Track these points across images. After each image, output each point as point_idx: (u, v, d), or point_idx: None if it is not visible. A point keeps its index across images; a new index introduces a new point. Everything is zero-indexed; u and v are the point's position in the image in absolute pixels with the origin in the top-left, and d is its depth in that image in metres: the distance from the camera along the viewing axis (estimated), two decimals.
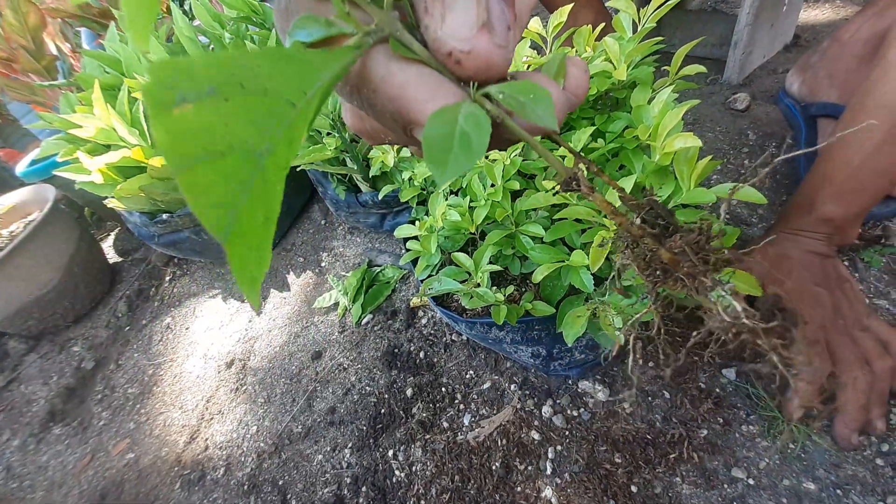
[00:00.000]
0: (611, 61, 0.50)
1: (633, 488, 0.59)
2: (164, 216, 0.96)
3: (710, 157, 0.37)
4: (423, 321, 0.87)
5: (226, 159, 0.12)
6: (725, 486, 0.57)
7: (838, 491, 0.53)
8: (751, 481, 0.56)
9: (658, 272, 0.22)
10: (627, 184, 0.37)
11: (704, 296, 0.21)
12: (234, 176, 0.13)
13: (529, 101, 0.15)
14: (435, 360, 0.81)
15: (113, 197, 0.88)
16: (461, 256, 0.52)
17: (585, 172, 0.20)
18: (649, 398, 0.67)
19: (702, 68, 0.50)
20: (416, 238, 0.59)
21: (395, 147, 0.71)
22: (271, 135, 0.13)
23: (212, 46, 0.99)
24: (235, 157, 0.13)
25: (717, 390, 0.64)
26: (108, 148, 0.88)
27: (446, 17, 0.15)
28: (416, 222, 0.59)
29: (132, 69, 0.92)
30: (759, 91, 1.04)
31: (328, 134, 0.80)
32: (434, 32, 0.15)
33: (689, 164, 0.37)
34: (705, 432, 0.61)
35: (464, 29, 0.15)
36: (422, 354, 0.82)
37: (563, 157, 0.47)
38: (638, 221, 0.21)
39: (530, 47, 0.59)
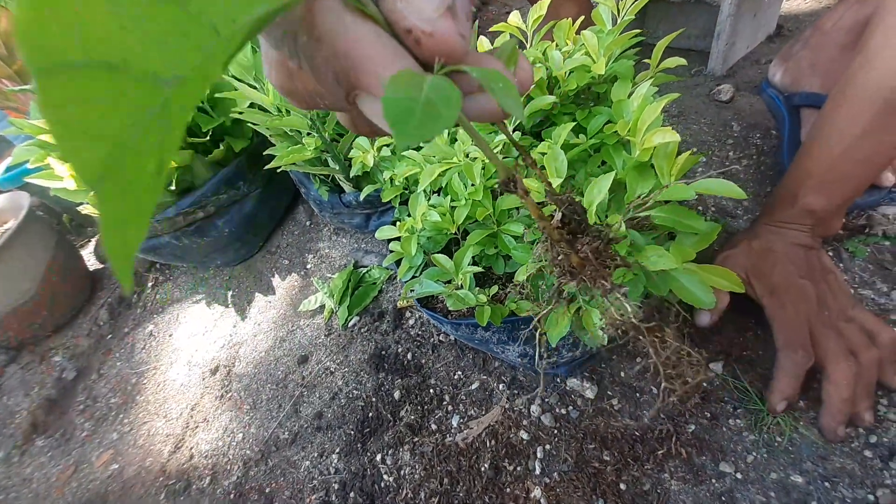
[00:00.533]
0: (590, 55, 0.49)
1: (622, 486, 0.59)
2: None
3: (691, 151, 0.36)
4: (411, 322, 0.86)
5: (116, 75, 0.09)
6: (713, 480, 0.57)
7: (826, 483, 0.53)
8: (738, 475, 0.56)
9: (567, 273, 0.24)
10: (607, 181, 0.36)
11: (605, 297, 0.23)
12: (125, 101, 0.09)
13: (500, 89, 0.14)
14: (423, 361, 0.80)
15: (87, 203, 0.86)
16: (441, 258, 0.51)
17: (521, 163, 0.21)
18: (637, 394, 0.66)
19: (682, 61, 0.50)
20: (397, 239, 0.58)
21: (375, 146, 0.70)
22: (183, 62, 0.10)
23: None
24: (129, 76, 0.09)
25: (704, 384, 0.64)
26: None
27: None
28: (398, 223, 0.58)
29: None
30: (742, 82, 1.04)
31: (308, 134, 0.78)
32: (394, 4, 0.14)
33: (668, 160, 0.36)
34: (693, 427, 0.61)
35: (429, 9, 0.14)
36: (409, 356, 0.81)
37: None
38: (559, 217, 0.22)
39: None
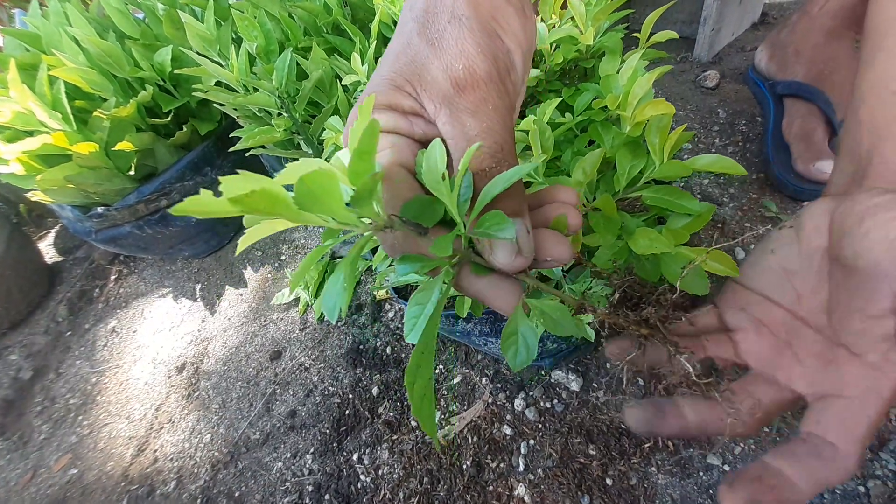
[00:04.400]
0: (577, 25, 0.45)
1: (608, 481, 0.57)
2: (100, 209, 0.87)
3: (683, 126, 0.33)
4: (390, 315, 0.82)
5: None
6: (701, 473, 0.55)
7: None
8: (726, 467, 0.55)
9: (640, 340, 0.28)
10: (595, 158, 0.32)
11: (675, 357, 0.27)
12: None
13: (559, 318, 0.25)
14: (403, 355, 0.76)
15: (37, 189, 0.79)
16: None
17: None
18: (623, 386, 0.64)
19: (674, 34, 0.47)
20: None
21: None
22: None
23: (146, 19, 0.90)
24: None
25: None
26: (28, 134, 0.79)
27: (495, 250, 0.23)
28: None
29: (52, 45, 0.82)
30: (728, 69, 1.03)
31: (278, 114, 0.73)
32: (488, 257, 0.24)
33: (661, 135, 0.33)
34: None
35: (506, 259, 0.23)
36: (388, 350, 0.77)
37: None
38: (617, 297, 0.28)
39: None
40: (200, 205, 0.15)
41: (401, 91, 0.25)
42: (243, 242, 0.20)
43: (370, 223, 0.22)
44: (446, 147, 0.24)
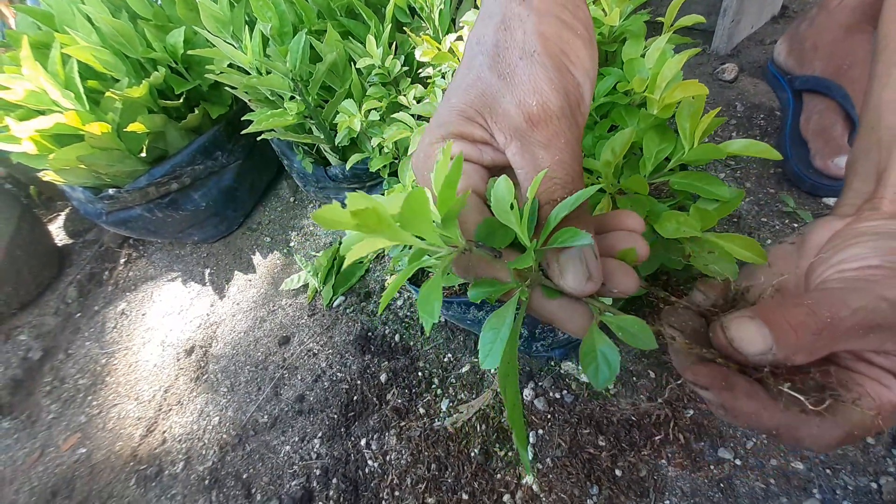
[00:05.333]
0: (602, 8, 0.44)
1: (618, 472, 0.57)
2: (111, 191, 0.87)
3: (718, 109, 0.32)
4: (399, 302, 0.82)
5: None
6: (712, 467, 0.55)
7: (828, 471, 0.51)
8: (738, 462, 0.54)
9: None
10: (623, 139, 0.32)
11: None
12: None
13: (637, 332, 0.24)
14: (411, 343, 0.76)
15: (48, 169, 0.79)
16: None
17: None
18: (634, 378, 0.64)
19: (700, 18, 0.45)
20: None
21: (363, 111, 0.65)
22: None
23: (159, 0, 0.89)
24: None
25: None
26: (41, 114, 0.78)
27: (565, 275, 0.24)
28: (386, 192, 0.53)
29: (65, 24, 0.81)
30: (746, 62, 1.01)
31: (290, 98, 0.73)
32: (558, 282, 0.25)
33: (693, 118, 0.32)
34: (691, 412, 0.59)
35: (576, 283, 0.24)
36: (397, 337, 0.77)
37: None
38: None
39: None
40: (330, 213, 0.17)
41: (471, 122, 0.27)
42: (350, 257, 0.22)
43: (452, 246, 0.25)
44: (516, 177, 0.26)
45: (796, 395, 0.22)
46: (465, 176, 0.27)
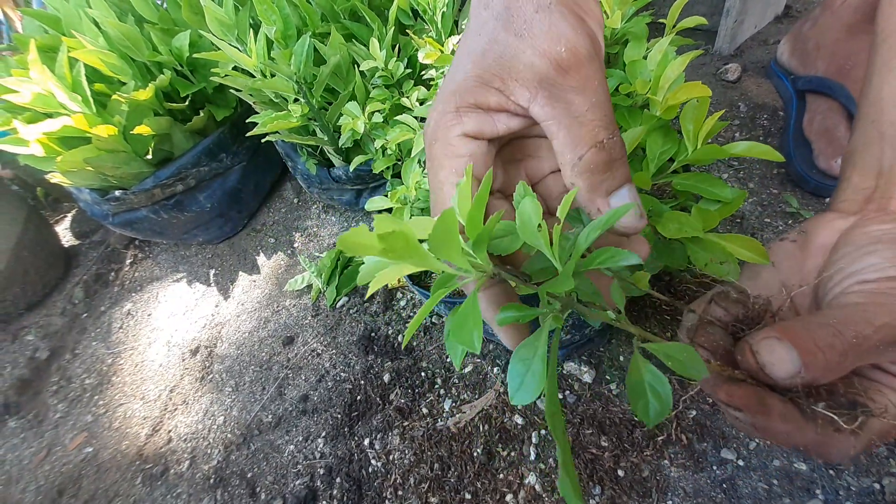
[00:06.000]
0: (604, 10, 0.45)
1: (620, 472, 0.57)
2: (118, 193, 0.87)
3: (721, 111, 0.33)
4: (402, 303, 0.82)
5: None
6: (714, 467, 0.55)
7: (831, 472, 0.51)
8: (740, 462, 0.54)
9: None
10: (632, 136, 0.32)
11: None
12: None
13: (686, 359, 0.22)
14: (414, 343, 0.76)
15: (55, 171, 0.80)
16: None
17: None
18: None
19: (702, 20, 0.46)
20: (389, 211, 0.54)
21: (366, 113, 0.65)
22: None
23: (164, 4, 0.90)
24: None
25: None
26: (48, 116, 0.79)
27: (622, 218, 0.24)
28: (390, 193, 0.54)
29: (72, 27, 0.82)
30: (750, 62, 1.01)
31: (295, 100, 0.73)
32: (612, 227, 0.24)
33: (696, 120, 0.32)
34: (694, 413, 0.59)
35: (634, 222, 0.25)
36: (400, 338, 0.78)
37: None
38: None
39: None
40: (355, 237, 0.17)
41: (487, 87, 0.26)
42: (373, 286, 0.22)
43: (480, 272, 0.24)
44: (523, 149, 0.27)
45: (830, 414, 0.22)
46: (473, 158, 0.27)
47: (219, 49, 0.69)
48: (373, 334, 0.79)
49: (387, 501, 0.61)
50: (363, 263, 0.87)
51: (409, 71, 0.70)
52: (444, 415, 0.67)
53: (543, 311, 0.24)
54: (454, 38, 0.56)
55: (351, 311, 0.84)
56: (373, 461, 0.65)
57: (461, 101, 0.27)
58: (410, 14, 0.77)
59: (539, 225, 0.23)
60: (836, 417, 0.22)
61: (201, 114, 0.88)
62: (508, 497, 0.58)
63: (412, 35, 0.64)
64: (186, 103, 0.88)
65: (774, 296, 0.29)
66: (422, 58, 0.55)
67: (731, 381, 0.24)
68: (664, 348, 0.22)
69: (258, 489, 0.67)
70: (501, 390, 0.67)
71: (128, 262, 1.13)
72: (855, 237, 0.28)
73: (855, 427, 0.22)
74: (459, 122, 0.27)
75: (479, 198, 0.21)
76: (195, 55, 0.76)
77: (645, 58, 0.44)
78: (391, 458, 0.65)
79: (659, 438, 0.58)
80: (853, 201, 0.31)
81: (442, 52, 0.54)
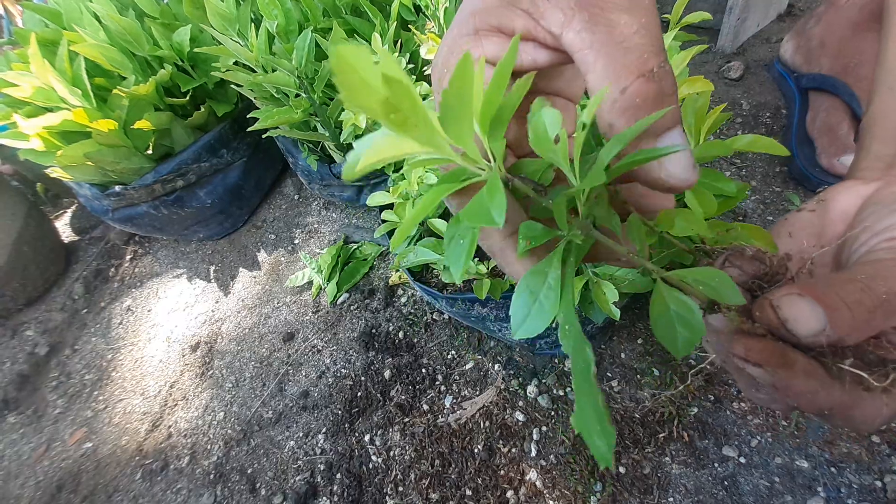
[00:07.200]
0: None
1: (622, 469, 0.57)
2: (118, 188, 0.87)
3: (723, 105, 0.32)
4: (403, 300, 0.82)
5: None
6: (716, 464, 0.55)
7: (833, 469, 0.51)
8: (742, 459, 0.54)
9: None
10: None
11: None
12: None
13: (718, 285, 0.20)
14: (415, 340, 0.76)
15: (55, 166, 0.80)
16: (438, 223, 0.47)
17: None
18: (638, 376, 0.64)
19: (707, 15, 0.45)
20: (390, 206, 0.54)
21: None
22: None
23: (166, 0, 0.90)
24: None
25: (708, 366, 0.61)
26: (48, 111, 0.79)
27: (667, 167, 0.21)
28: (391, 188, 0.53)
29: (73, 21, 0.82)
30: (752, 60, 1.00)
31: (296, 96, 0.73)
32: (657, 175, 0.21)
33: (698, 115, 0.32)
34: (695, 410, 0.59)
35: (686, 172, 0.21)
36: (401, 334, 0.78)
37: None
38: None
39: None
40: (356, 59, 0.13)
41: (513, 8, 0.22)
42: (362, 165, 0.17)
43: (492, 168, 0.19)
44: (582, 64, 0.21)
45: (859, 372, 0.20)
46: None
47: (220, 44, 0.69)
48: (373, 330, 0.79)
49: (387, 497, 0.61)
50: (363, 259, 0.86)
51: (411, 66, 0.70)
52: (445, 411, 0.67)
53: (561, 231, 0.20)
54: None
55: (351, 308, 0.84)
56: (373, 457, 0.65)
57: (481, 23, 0.23)
58: (413, 9, 0.77)
59: (557, 138, 0.20)
60: (865, 375, 0.20)
61: (202, 109, 0.88)
62: (509, 493, 0.58)
63: (414, 30, 0.64)
64: (187, 98, 0.88)
65: (795, 254, 0.26)
66: (424, 53, 0.55)
67: (749, 335, 0.22)
68: (693, 273, 0.20)
69: (258, 485, 0.67)
70: (502, 387, 0.67)
71: (128, 257, 1.13)
72: (882, 196, 0.26)
73: (887, 384, 0.20)
74: (479, 45, 0.23)
75: (498, 74, 0.17)
76: (196, 50, 0.75)
77: None
78: (392, 454, 0.64)
79: (660, 435, 0.58)
80: (874, 169, 0.29)
81: None
